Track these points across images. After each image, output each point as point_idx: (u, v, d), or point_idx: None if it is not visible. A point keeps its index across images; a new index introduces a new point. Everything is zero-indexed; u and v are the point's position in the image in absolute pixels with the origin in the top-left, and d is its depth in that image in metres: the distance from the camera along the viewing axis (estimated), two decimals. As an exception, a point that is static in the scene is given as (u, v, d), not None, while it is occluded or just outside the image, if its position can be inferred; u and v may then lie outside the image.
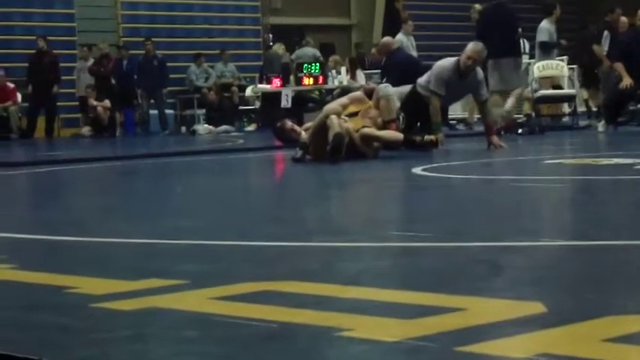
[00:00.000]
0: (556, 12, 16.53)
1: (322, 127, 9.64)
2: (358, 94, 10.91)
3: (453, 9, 28.88)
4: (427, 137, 10.12)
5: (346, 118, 10.00)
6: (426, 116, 10.89)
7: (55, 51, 20.85)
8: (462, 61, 10.85)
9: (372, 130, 9.93)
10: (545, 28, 16.24)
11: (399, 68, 13.67)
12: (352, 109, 10.26)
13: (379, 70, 18.81)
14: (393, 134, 10.01)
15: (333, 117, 9.65)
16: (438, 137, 10.57)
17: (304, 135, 10.25)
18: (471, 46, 10.96)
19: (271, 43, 23.53)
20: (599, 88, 17.27)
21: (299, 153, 9.79)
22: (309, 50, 21.71)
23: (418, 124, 11.01)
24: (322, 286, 3.31)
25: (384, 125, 10.12)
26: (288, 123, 10.84)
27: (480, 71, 11.31)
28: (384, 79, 14.27)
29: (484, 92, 11.31)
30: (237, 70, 23.04)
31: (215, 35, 24.62)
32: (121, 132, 21.14)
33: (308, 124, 10.85)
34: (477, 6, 16.95)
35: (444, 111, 11.28)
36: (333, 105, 10.14)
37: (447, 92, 10.92)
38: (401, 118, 10.50)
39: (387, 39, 15.14)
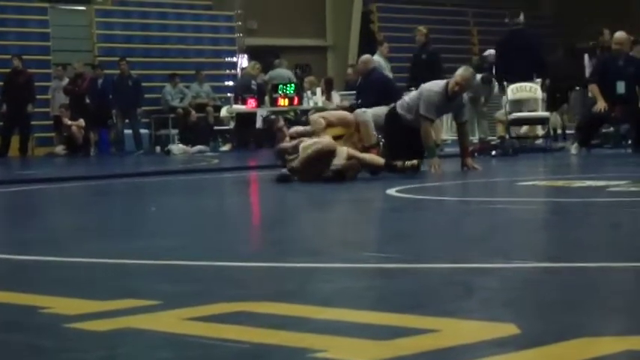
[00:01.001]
0: None
1: (323, 154, 9.72)
2: (348, 115, 10.86)
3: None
4: (408, 163, 10.12)
5: (329, 138, 10.11)
6: (407, 137, 10.84)
7: (29, 70, 20.79)
8: (450, 86, 10.78)
9: (355, 152, 9.98)
10: None
11: (376, 88, 13.60)
12: (337, 131, 10.30)
13: (354, 91, 18.85)
14: (374, 158, 10.08)
15: (345, 149, 9.76)
16: (433, 162, 10.61)
17: (287, 141, 10.27)
18: (460, 72, 10.91)
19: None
20: (564, 109, 17.75)
21: (286, 173, 9.79)
22: (284, 72, 21.71)
23: (400, 147, 10.96)
24: (296, 307, 3.31)
25: (365, 150, 10.19)
26: (281, 122, 10.90)
27: (464, 94, 11.33)
28: (359, 100, 14.27)
29: (465, 114, 11.34)
30: (213, 90, 23.03)
31: (190, 55, 24.63)
32: (95, 151, 21.07)
33: (296, 129, 10.81)
34: (422, 28, 17.12)
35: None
36: (333, 142, 10.09)
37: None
38: (381, 143, 10.60)
39: (367, 57, 14.93)
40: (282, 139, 10.50)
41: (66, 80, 21.29)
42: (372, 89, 13.60)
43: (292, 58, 26.79)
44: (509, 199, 7.98)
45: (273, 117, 11.27)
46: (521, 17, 16.05)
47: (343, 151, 9.80)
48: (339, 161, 9.66)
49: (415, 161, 10.14)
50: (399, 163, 10.07)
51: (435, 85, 10.98)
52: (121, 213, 8.09)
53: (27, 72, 20.56)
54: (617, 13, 26.90)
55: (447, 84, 10.84)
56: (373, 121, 10.85)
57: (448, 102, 10.88)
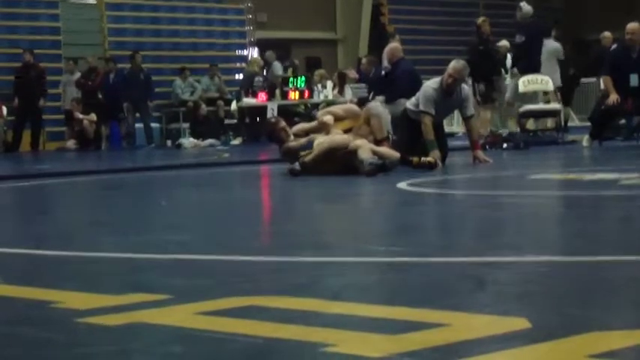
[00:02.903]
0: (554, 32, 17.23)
1: (338, 148, 9.69)
2: (355, 108, 10.93)
3: (437, 23, 29.05)
4: (424, 159, 10.20)
5: (340, 132, 10.10)
6: (419, 135, 10.89)
7: (41, 64, 20.81)
8: (444, 80, 10.91)
9: (372, 147, 9.96)
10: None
11: (406, 78, 13.40)
12: (347, 124, 10.30)
13: (364, 84, 18.81)
14: (389, 152, 10.06)
15: (367, 144, 9.73)
16: (433, 155, 10.55)
17: (292, 141, 10.28)
18: (452, 64, 11.00)
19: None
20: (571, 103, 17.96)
21: (297, 166, 9.78)
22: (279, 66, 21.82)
23: (413, 144, 10.99)
24: (307, 301, 3.31)
25: (376, 143, 10.17)
26: (282, 122, 10.85)
27: (465, 88, 11.35)
28: (371, 93, 14.24)
29: (470, 108, 11.35)
30: (224, 84, 23.04)
31: (201, 49, 24.64)
32: (106, 145, 21.10)
33: (302, 127, 10.81)
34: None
35: (439, 126, 11.28)
36: (345, 136, 10.04)
37: (435, 110, 10.93)
38: (390, 137, 10.60)
39: (395, 45, 14.65)
40: (286, 139, 10.44)
41: (77, 74, 21.30)
42: (402, 78, 13.39)
43: (302, 51, 26.82)
44: (521, 192, 7.97)
45: (273, 120, 11.26)
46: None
47: (365, 143, 9.77)
48: (367, 155, 9.57)
49: (432, 158, 10.24)
50: (414, 159, 10.16)
51: (431, 82, 11.18)
52: (132, 207, 8.09)
53: (39, 66, 20.59)
54: (626, 5, 26.85)
55: (442, 79, 10.94)
56: (390, 114, 10.92)
57: (447, 96, 10.94)
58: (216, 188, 9.94)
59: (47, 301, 3.45)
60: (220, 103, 22.11)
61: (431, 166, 10.17)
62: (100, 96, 21.02)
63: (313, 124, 10.68)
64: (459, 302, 3.24)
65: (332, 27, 28.84)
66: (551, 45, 16.90)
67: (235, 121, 21.93)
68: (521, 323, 2.81)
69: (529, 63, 15.89)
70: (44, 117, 20.93)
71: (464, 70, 11.12)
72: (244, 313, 3.11)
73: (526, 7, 15.83)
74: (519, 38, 15.76)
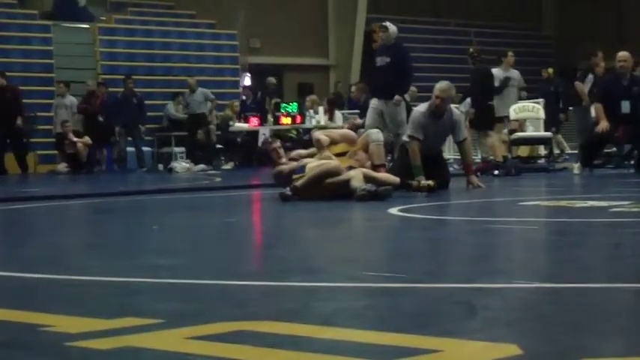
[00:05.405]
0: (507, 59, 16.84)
1: (330, 175, 9.71)
2: (351, 133, 11.00)
3: (429, 51, 29.14)
4: (424, 182, 10.28)
5: (332, 155, 10.13)
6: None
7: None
8: (432, 102, 10.97)
9: (371, 172, 9.99)
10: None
11: None
12: (341, 148, 10.33)
13: (358, 110, 18.87)
14: (390, 177, 10.10)
15: (359, 171, 9.74)
16: (429, 183, 10.55)
17: (285, 164, 10.32)
18: (437, 86, 11.06)
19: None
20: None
21: (288, 191, 9.81)
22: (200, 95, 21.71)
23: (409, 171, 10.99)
24: (298, 327, 3.31)
25: (373, 169, 10.22)
26: (277, 143, 10.93)
27: (455, 111, 11.38)
28: (363, 119, 14.27)
29: (461, 133, 11.36)
30: (216, 108, 23.04)
31: (193, 74, 24.67)
32: (100, 169, 21.07)
33: (299, 152, 10.83)
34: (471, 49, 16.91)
35: (437, 154, 11.32)
36: (336, 163, 10.03)
37: (426, 135, 10.93)
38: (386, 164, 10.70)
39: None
40: (277, 160, 10.50)
41: (68, 97, 21.23)
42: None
43: (295, 76, 26.88)
44: (512, 219, 7.97)
45: (269, 140, 11.36)
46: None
47: (359, 173, 9.78)
48: (358, 183, 9.59)
49: (431, 182, 10.30)
50: (414, 183, 10.27)
51: (420, 106, 11.24)
52: (124, 231, 8.08)
53: (14, 87, 20.34)
54: (613, 35, 27.04)
55: (430, 102, 11.00)
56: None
57: (435, 119, 10.97)
58: (208, 213, 9.93)
59: (37, 324, 3.44)
60: (212, 127, 22.12)
61: (430, 190, 10.27)
62: (100, 119, 21.00)
63: (311, 150, 10.70)
64: (450, 328, 3.24)
65: (324, 53, 28.92)
66: (496, 74, 16.79)
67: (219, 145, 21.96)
68: (512, 350, 2.81)
69: (404, 86, 14.60)
70: (35, 140, 20.84)
71: (450, 90, 11.16)
72: (235, 338, 3.11)
73: (392, 27, 15.01)
74: (382, 60, 14.44)
